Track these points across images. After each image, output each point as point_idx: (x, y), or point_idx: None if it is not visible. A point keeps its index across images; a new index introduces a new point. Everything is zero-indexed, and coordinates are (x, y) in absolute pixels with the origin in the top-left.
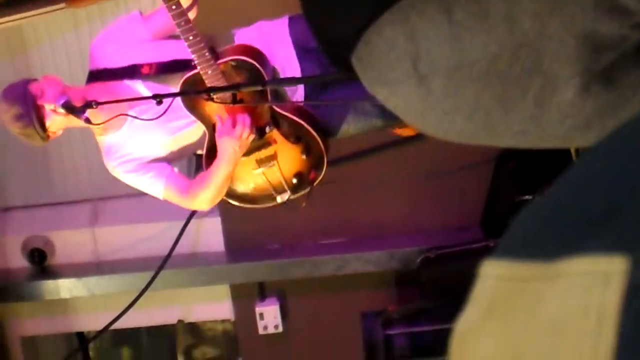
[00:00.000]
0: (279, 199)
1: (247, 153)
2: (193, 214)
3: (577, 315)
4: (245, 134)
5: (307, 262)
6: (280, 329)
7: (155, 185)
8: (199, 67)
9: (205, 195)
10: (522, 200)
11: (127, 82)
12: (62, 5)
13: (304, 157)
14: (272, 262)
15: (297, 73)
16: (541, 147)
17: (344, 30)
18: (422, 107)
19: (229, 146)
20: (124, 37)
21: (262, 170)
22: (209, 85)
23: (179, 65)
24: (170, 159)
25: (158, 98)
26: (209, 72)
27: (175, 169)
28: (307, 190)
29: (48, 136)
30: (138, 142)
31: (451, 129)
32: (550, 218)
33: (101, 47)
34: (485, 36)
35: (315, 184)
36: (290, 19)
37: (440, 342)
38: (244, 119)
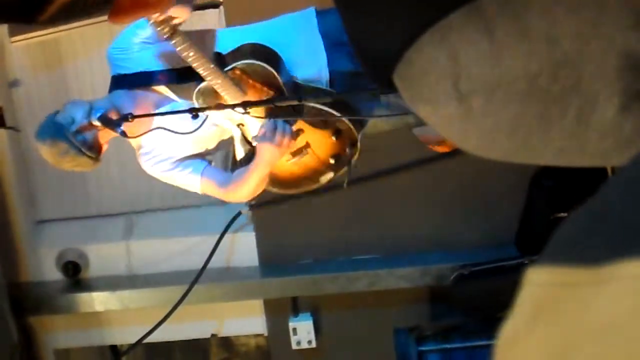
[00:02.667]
0: (322, 180)
1: None
2: (227, 229)
3: (628, 318)
4: (286, 141)
5: (340, 278)
6: (314, 345)
7: (192, 180)
8: (207, 80)
9: (243, 192)
10: (557, 218)
11: (154, 87)
12: (104, 17)
13: (334, 139)
14: (305, 278)
15: (323, 63)
16: (581, 165)
17: (386, 48)
18: (463, 126)
19: (268, 152)
20: (134, 42)
21: (297, 159)
22: (222, 93)
23: (188, 73)
24: (202, 155)
25: (194, 112)
26: (219, 81)
27: (213, 163)
28: (347, 169)
29: (99, 154)
30: (167, 142)
31: (492, 148)
32: (600, 221)
33: (116, 54)
34: (525, 55)
35: (353, 160)
36: (318, 13)
37: (472, 359)
38: (285, 128)
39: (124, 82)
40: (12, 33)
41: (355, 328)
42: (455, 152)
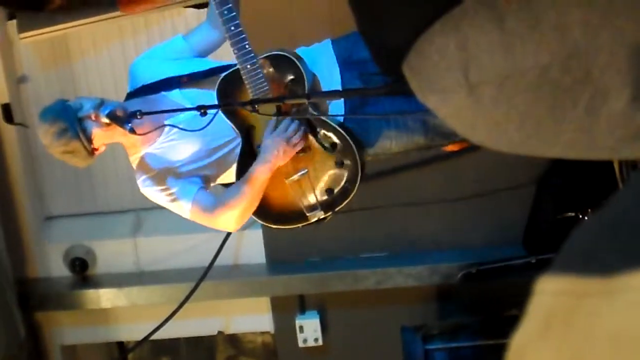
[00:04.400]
0: (311, 218)
1: None
2: None
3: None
4: (295, 140)
5: (347, 276)
6: (320, 342)
7: (183, 209)
8: (237, 61)
9: (234, 212)
10: (565, 218)
11: (164, 93)
12: (118, 12)
13: (337, 170)
14: (312, 275)
15: (339, 88)
16: (590, 158)
17: (396, 38)
18: (472, 117)
19: (275, 146)
20: (165, 53)
21: (295, 178)
22: (246, 81)
23: (216, 71)
24: (203, 174)
25: (202, 109)
26: (248, 66)
27: (212, 184)
28: (336, 209)
29: (93, 151)
30: (172, 153)
31: (501, 139)
32: (611, 231)
33: (141, 64)
34: (536, 45)
35: (345, 202)
36: (333, 41)
37: (479, 357)
38: (300, 127)
39: (140, 91)
40: (21, 29)
41: (362, 326)
42: (464, 151)
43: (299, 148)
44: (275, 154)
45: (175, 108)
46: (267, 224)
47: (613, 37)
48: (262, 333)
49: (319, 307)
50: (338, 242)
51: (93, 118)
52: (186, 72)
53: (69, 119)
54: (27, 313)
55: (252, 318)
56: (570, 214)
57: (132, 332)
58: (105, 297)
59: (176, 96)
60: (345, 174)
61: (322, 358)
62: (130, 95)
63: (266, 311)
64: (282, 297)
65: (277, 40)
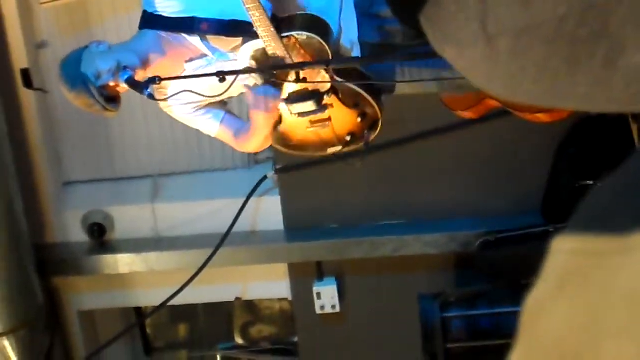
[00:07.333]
0: (329, 151)
1: (302, 115)
2: (252, 192)
3: None
4: (274, 105)
5: (365, 243)
6: (338, 309)
7: (211, 126)
8: (263, 41)
9: (249, 147)
10: (583, 186)
11: (184, 35)
12: None
13: (359, 120)
14: (330, 242)
15: (355, 35)
16: (605, 111)
17: None
18: (489, 69)
19: (262, 119)
20: None
21: (316, 129)
22: (272, 56)
23: (237, 27)
24: (224, 103)
25: (221, 75)
26: (273, 45)
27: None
28: (361, 146)
29: (119, 104)
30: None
31: (517, 91)
32: (628, 190)
33: None
34: None
35: (369, 142)
36: None
37: (497, 325)
38: (273, 92)
39: (158, 23)
40: None
41: (380, 293)
42: (482, 119)
43: (281, 110)
44: (262, 124)
45: (200, 59)
46: (281, 148)
47: None
48: (280, 300)
49: (336, 274)
50: (356, 209)
51: (112, 85)
52: (206, 15)
53: (92, 94)
54: (45, 278)
55: (270, 285)
56: (587, 182)
57: (150, 297)
58: (123, 263)
59: (196, 42)
60: (367, 123)
61: (339, 325)
62: (148, 18)
63: (284, 278)
64: (300, 264)
65: None
